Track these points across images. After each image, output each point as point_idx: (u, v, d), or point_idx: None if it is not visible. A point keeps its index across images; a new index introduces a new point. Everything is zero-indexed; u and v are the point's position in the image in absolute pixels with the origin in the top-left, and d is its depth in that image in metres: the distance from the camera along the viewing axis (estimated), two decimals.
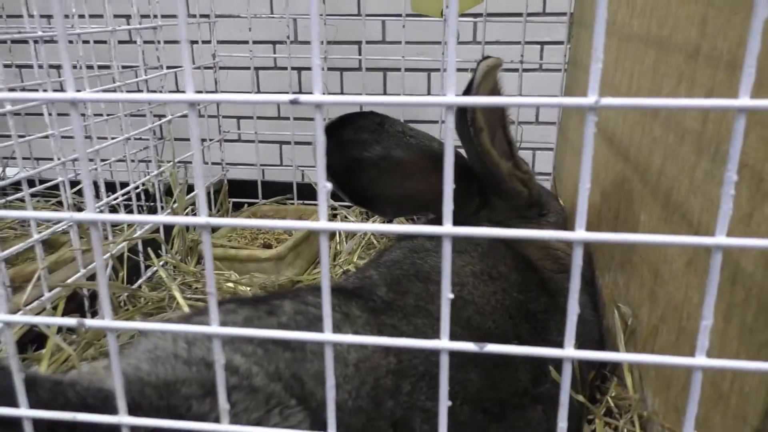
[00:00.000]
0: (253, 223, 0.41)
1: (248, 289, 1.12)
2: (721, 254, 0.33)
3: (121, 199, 1.19)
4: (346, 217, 1.52)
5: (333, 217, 1.58)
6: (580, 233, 0.36)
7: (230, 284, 1.11)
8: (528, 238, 0.37)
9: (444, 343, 0.40)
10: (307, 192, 1.63)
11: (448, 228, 0.39)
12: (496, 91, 0.86)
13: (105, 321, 0.41)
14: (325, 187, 0.39)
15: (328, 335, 0.40)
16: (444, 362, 0.40)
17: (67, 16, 1.34)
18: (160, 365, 0.51)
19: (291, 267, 1.26)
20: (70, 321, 0.42)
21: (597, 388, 0.80)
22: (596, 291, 0.95)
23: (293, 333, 0.38)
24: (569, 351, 0.38)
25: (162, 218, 0.42)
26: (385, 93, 1.75)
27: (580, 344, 0.74)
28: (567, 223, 1.09)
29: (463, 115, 0.87)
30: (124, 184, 1.22)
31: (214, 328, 0.40)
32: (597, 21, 0.32)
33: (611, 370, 0.83)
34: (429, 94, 1.76)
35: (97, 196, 1.19)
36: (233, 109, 1.83)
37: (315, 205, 1.59)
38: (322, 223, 0.40)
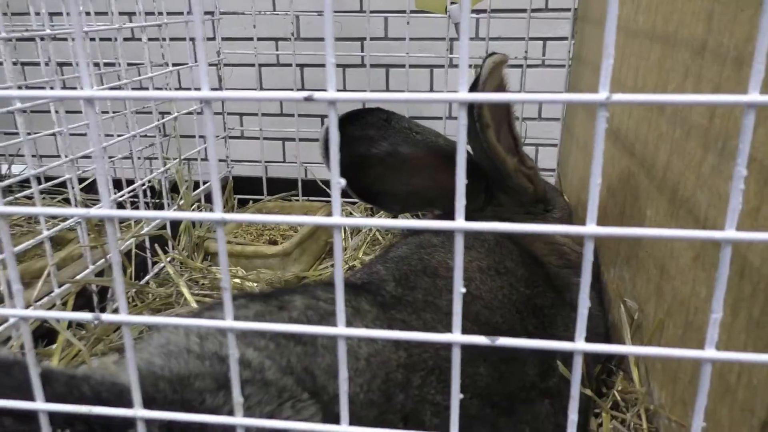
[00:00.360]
0: (267, 219, 0.41)
1: (255, 285, 1.12)
2: (731, 248, 0.33)
3: (127, 196, 1.19)
4: (351, 213, 1.53)
5: None
6: (591, 228, 0.37)
7: (237, 280, 1.12)
8: (538, 233, 0.37)
9: (456, 336, 0.40)
10: (312, 188, 1.64)
11: (460, 223, 0.39)
12: (502, 87, 0.86)
13: (121, 316, 0.41)
14: (338, 183, 0.39)
15: (341, 329, 0.40)
16: (456, 356, 0.40)
17: (69, 14, 1.35)
18: (173, 360, 0.52)
19: (297, 263, 1.26)
20: (86, 316, 0.42)
21: (603, 382, 0.81)
22: (602, 286, 0.95)
23: (307, 327, 0.38)
24: (580, 344, 0.38)
25: (176, 214, 0.42)
26: (387, 89, 1.75)
27: (586, 338, 0.75)
28: (572, 219, 1.10)
29: (469, 111, 0.88)
30: (129, 182, 1.22)
31: (229, 323, 0.40)
32: (608, 17, 0.32)
33: (617, 364, 0.83)
34: (432, 90, 1.76)
35: None
36: (237, 106, 1.83)
37: (320, 201, 1.60)
38: (336, 219, 0.40)
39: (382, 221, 0.38)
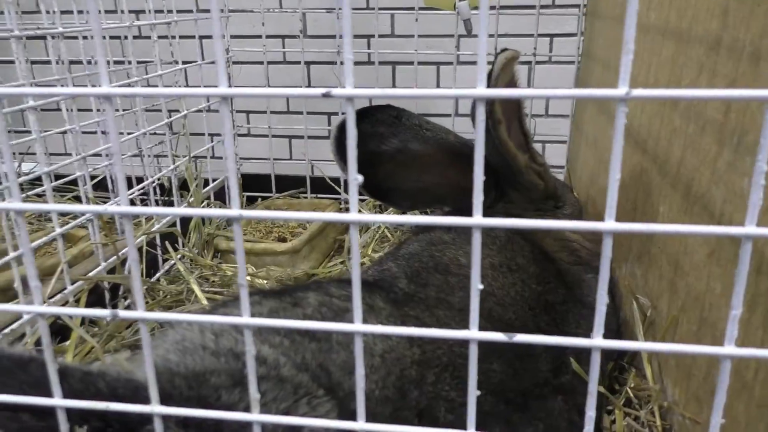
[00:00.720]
0: (283, 216, 0.41)
1: (265, 282, 1.12)
2: (751, 244, 0.33)
3: (137, 193, 1.20)
4: (360, 210, 1.53)
5: (346, 210, 1.59)
6: (610, 224, 0.36)
7: (247, 277, 1.12)
8: (554, 229, 0.37)
9: (473, 333, 0.40)
10: (319, 185, 1.64)
11: (477, 219, 0.39)
12: (513, 83, 0.86)
13: (138, 312, 0.41)
14: (356, 179, 0.39)
15: (357, 326, 0.40)
16: (473, 352, 0.40)
17: (81, 12, 1.35)
18: (189, 356, 0.52)
19: (306, 260, 1.26)
20: (103, 312, 0.42)
21: (615, 379, 0.80)
22: (613, 282, 0.95)
23: (323, 324, 0.39)
24: (598, 341, 0.38)
25: (193, 211, 0.42)
26: (394, 86, 1.75)
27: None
28: (582, 215, 1.09)
29: None
30: (138, 179, 1.22)
31: (246, 319, 0.40)
32: (628, 13, 0.32)
33: (629, 361, 0.83)
34: (438, 87, 1.76)
35: (114, 190, 1.21)
36: (244, 104, 1.83)
37: (329, 198, 1.60)
38: (353, 215, 0.40)
39: (399, 218, 0.38)
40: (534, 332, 0.72)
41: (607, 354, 0.80)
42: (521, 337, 0.39)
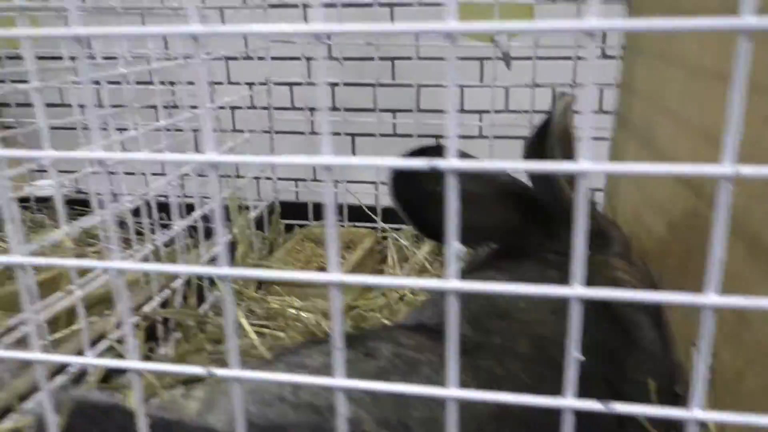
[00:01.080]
0: (386, 282, 0.42)
1: (310, 315, 1.13)
2: None
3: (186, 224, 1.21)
4: (396, 239, 1.53)
5: (383, 239, 1.59)
6: (710, 297, 0.36)
7: (293, 310, 1.13)
8: (651, 302, 0.38)
9: (569, 401, 0.41)
10: (353, 211, 1.63)
11: (577, 290, 0.40)
12: (568, 125, 0.87)
13: (234, 371, 0.42)
14: (456, 248, 0.40)
15: (452, 391, 0.41)
16: (569, 421, 0.40)
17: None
18: (267, 408, 0.52)
19: (348, 291, 1.27)
20: (200, 370, 0.43)
21: (674, 428, 0.79)
22: (664, 324, 0.94)
23: (420, 388, 0.39)
24: (697, 413, 0.38)
25: (290, 274, 0.43)
26: (418, 108, 1.73)
27: (657, 384, 0.74)
28: (630, 252, 1.09)
29: (532, 144, 0.89)
30: (189, 207, 1.22)
31: (340, 381, 0.41)
32: (734, 81, 0.32)
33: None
34: (462, 109, 1.74)
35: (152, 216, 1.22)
36: (278, 126, 1.83)
37: (366, 227, 1.60)
38: (453, 282, 0.41)
39: (495, 286, 0.38)
40: (599, 381, 0.72)
41: (667, 402, 0.79)
42: (620, 407, 0.39)
